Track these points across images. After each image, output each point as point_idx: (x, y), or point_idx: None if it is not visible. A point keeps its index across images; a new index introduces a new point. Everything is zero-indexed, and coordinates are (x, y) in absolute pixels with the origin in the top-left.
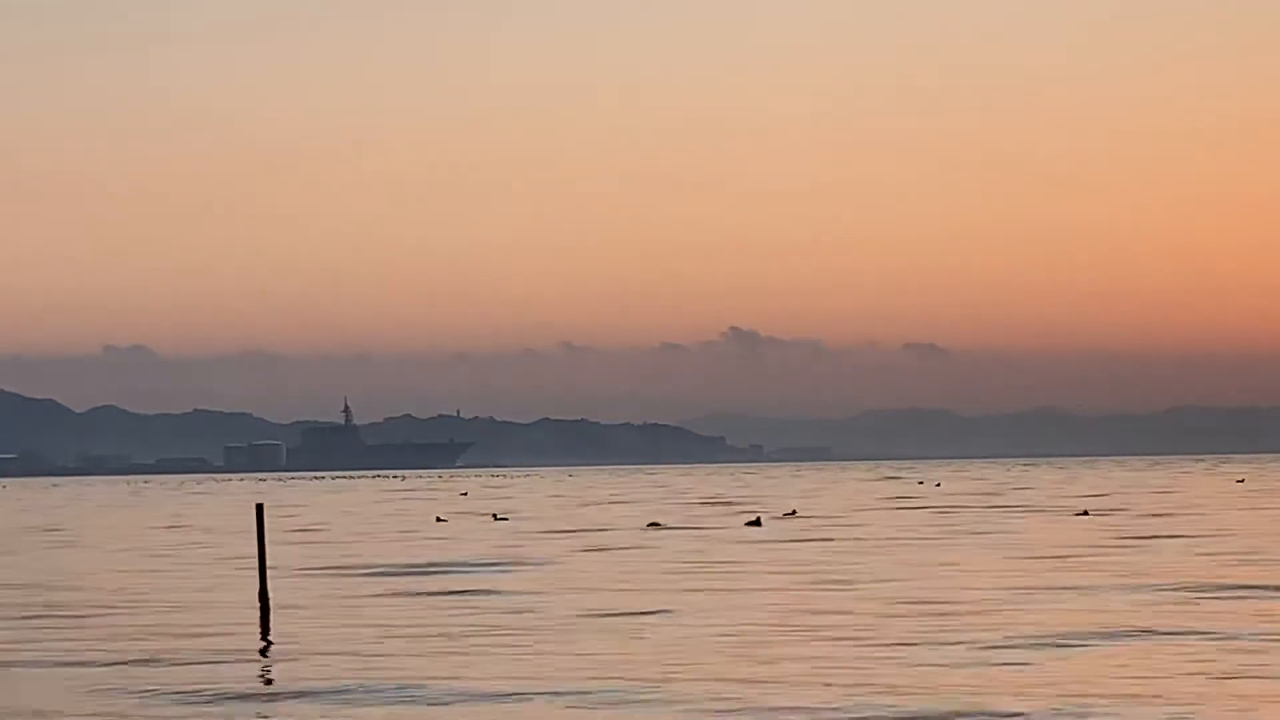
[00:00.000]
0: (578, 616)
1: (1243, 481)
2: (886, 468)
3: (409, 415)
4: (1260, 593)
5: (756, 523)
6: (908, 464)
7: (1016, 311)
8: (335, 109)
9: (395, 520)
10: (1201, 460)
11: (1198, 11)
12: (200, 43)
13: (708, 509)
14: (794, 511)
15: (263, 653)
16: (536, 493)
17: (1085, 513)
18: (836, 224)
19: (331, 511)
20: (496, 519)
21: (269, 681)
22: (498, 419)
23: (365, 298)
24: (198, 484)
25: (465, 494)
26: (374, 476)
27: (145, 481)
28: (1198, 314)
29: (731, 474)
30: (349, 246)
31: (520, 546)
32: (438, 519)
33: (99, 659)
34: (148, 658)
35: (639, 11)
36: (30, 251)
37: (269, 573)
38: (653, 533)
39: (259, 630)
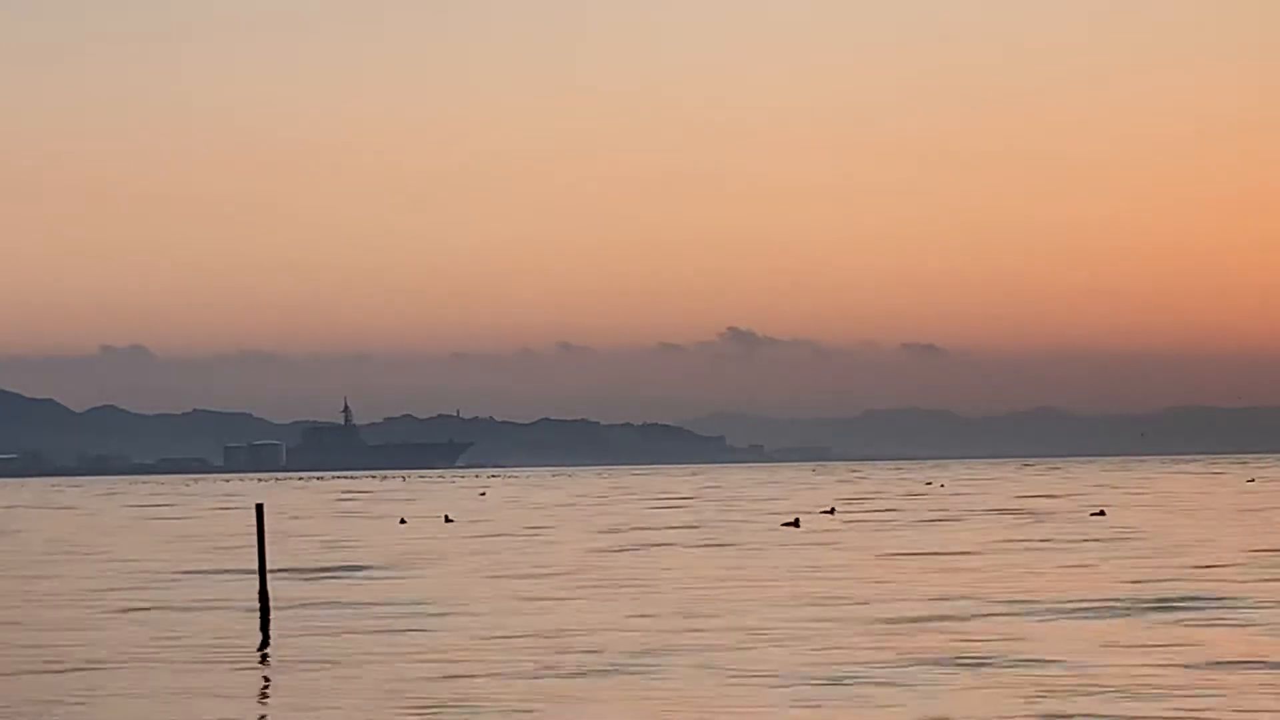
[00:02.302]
0: None
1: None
2: (887, 467)
3: (409, 415)
4: None
5: (795, 523)
6: (907, 464)
7: (1016, 311)
8: (335, 109)
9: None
10: (1196, 460)
11: (1198, 11)
12: (200, 43)
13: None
14: (832, 510)
15: (263, 650)
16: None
17: (1102, 512)
18: (834, 224)
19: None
20: (447, 520)
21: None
22: (497, 419)
23: (365, 298)
24: (196, 483)
25: (484, 494)
26: (375, 477)
27: (145, 481)
28: (1198, 314)
29: (765, 472)
30: (349, 246)
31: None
32: (401, 520)
33: None
34: None
35: (636, 13)
36: (28, 251)
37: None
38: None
39: (259, 628)
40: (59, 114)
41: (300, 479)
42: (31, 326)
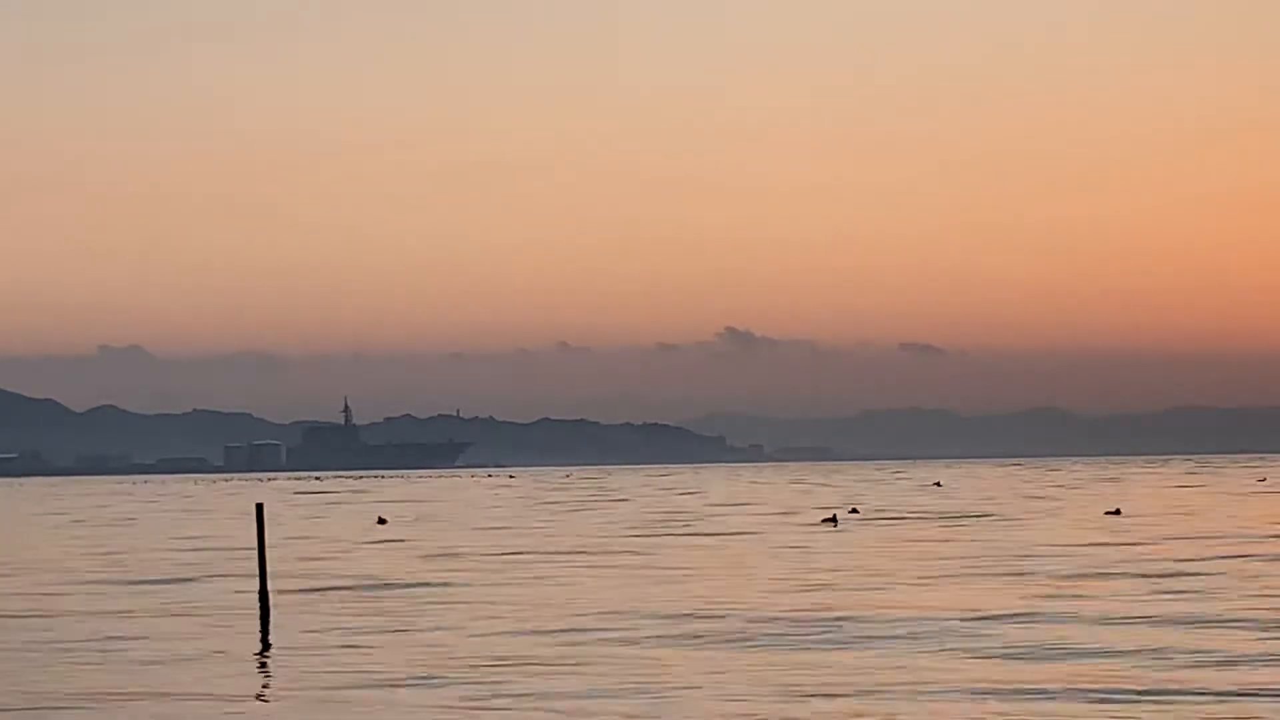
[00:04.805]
0: None
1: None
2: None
3: (409, 415)
4: None
5: (833, 520)
6: (907, 463)
7: (1016, 311)
8: (335, 109)
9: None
10: (1190, 459)
11: (1198, 11)
12: (200, 42)
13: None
14: (855, 509)
15: (265, 649)
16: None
17: (1118, 511)
18: (831, 224)
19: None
20: (380, 522)
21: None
22: (497, 419)
23: (365, 298)
24: (195, 483)
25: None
26: (376, 477)
27: (147, 481)
28: (1198, 314)
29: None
30: (349, 246)
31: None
32: (379, 520)
33: None
34: None
35: (636, 12)
36: (28, 251)
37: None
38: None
39: (259, 627)
40: (58, 114)
41: (298, 478)
42: (31, 326)
